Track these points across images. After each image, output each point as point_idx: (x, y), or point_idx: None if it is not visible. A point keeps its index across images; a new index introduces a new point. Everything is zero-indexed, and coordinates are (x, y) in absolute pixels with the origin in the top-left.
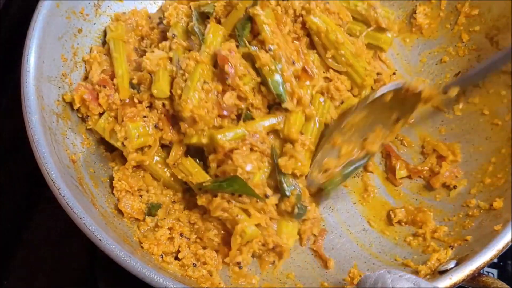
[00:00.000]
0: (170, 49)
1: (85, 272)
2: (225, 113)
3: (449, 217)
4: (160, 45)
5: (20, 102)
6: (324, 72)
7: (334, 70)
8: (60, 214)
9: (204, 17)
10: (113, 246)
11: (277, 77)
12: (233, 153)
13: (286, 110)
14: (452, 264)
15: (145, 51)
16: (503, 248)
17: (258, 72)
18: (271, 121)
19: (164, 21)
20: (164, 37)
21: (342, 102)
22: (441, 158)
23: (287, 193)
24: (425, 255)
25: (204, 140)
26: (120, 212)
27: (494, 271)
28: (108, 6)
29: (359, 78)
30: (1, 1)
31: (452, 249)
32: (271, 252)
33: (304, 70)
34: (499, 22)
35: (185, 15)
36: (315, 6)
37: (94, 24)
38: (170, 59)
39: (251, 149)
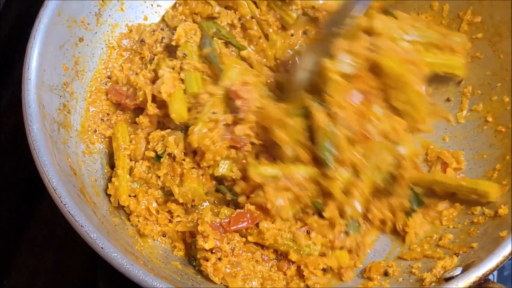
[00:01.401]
0: (181, 69)
1: (86, 272)
2: (238, 144)
3: (454, 224)
4: (171, 63)
5: (19, 103)
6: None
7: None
8: (60, 214)
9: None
10: (115, 254)
11: (328, 144)
12: (265, 185)
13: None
14: (458, 271)
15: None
16: (509, 254)
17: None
18: (311, 172)
19: (173, 42)
20: (169, 52)
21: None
22: (444, 164)
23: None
24: (431, 263)
25: (232, 174)
26: (122, 221)
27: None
28: (109, 16)
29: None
30: (1, 1)
31: (457, 256)
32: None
33: (363, 135)
34: (501, 29)
35: (194, 33)
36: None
37: (96, 33)
38: (182, 80)
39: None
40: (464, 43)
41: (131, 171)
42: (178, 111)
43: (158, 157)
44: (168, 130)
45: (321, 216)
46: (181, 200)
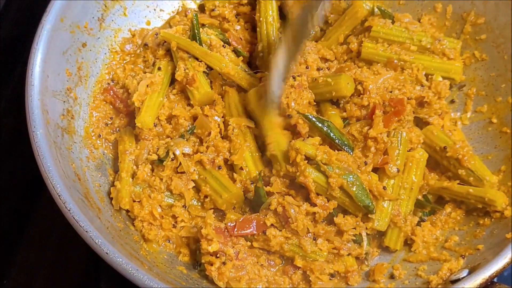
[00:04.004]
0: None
1: (86, 272)
2: None
3: (459, 226)
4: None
5: (19, 103)
6: None
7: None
8: (60, 214)
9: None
10: (120, 260)
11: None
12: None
13: None
14: (464, 273)
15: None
16: None
17: None
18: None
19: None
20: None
21: None
22: None
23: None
24: (437, 265)
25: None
26: (126, 226)
27: None
28: (112, 20)
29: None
30: (1, 1)
31: (463, 258)
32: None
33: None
34: (506, 30)
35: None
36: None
37: (98, 38)
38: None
39: None
40: (453, 47)
41: (133, 175)
42: (144, 119)
43: (160, 161)
44: (168, 140)
45: (329, 223)
46: (223, 207)
